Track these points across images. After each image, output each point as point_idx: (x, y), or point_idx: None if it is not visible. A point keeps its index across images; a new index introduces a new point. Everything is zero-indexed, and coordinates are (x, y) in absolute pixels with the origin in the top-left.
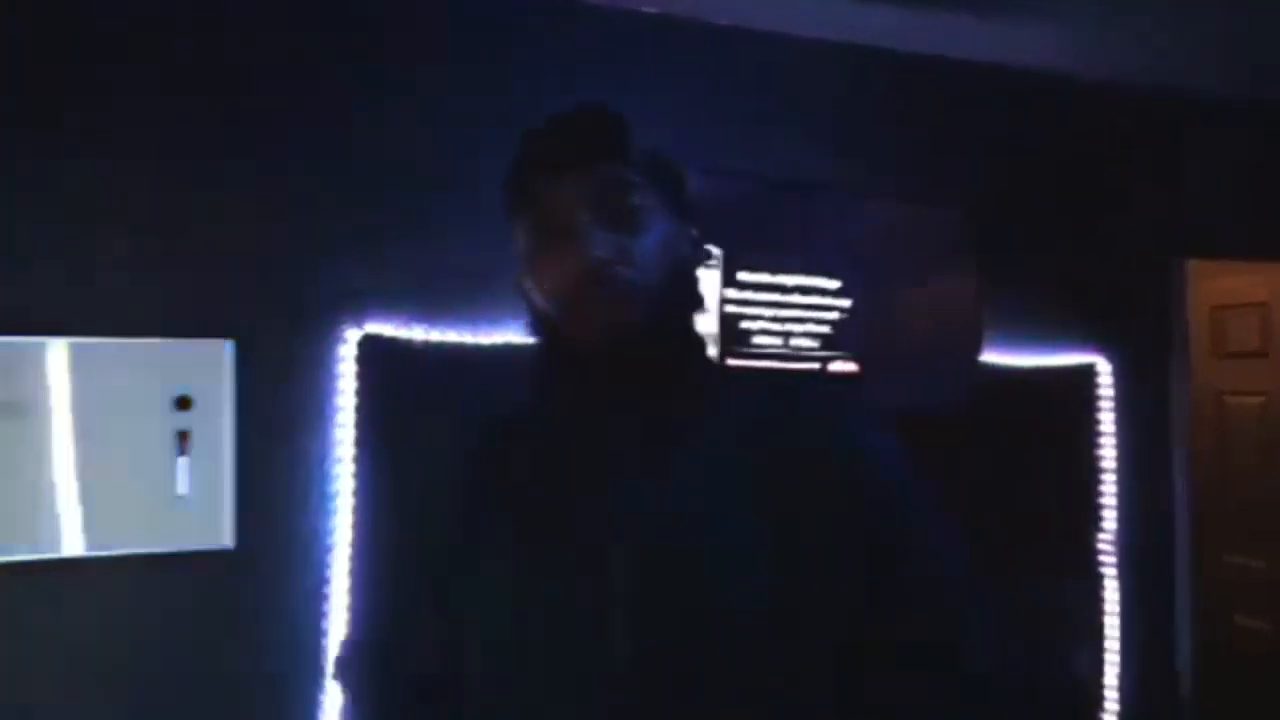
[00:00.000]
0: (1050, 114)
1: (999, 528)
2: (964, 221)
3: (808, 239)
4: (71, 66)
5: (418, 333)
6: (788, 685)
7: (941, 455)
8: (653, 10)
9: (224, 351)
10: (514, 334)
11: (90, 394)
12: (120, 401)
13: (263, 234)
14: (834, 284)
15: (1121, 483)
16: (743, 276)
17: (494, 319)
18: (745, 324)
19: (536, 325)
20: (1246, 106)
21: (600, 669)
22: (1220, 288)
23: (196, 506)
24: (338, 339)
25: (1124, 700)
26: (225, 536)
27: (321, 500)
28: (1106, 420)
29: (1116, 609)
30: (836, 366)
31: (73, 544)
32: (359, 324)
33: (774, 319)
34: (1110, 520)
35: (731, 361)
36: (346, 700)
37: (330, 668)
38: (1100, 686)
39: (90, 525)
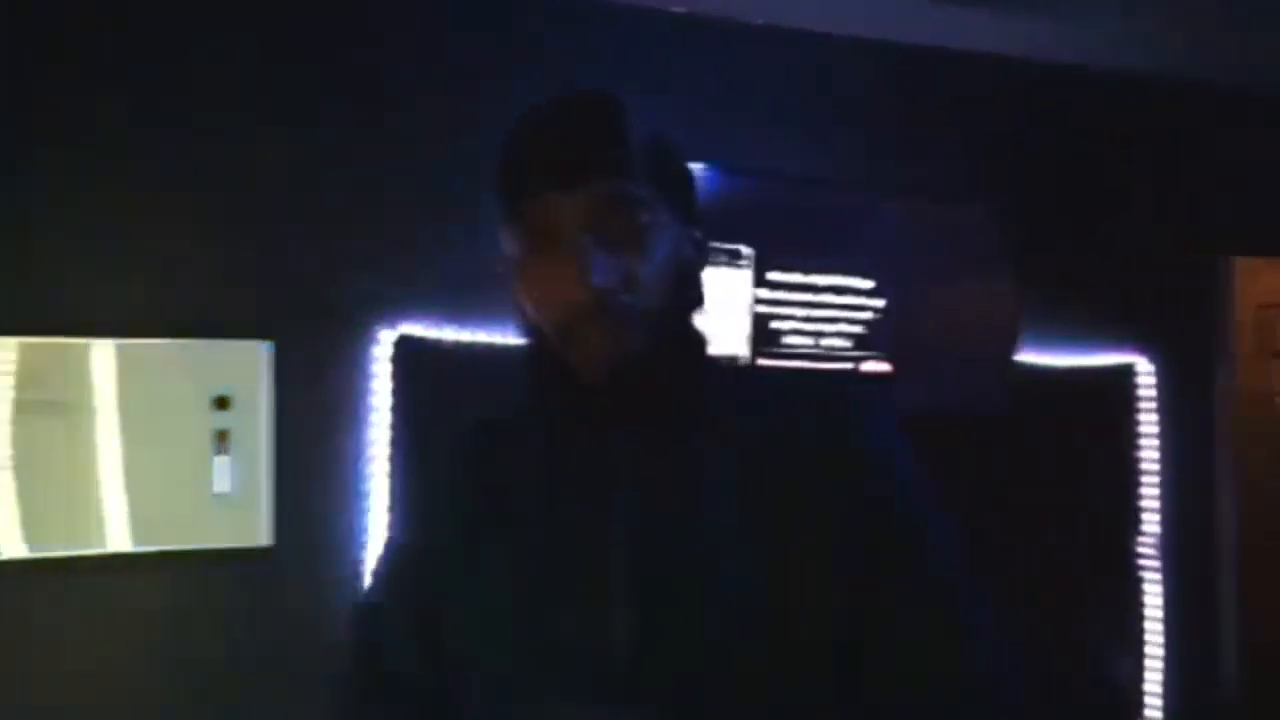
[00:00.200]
0: (1089, 109)
1: (1035, 529)
2: (999, 219)
3: (840, 239)
4: (113, 71)
5: (451, 334)
6: (787, 688)
7: (977, 456)
8: (681, 10)
9: (261, 352)
10: None
11: (133, 394)
12: (162, 401)
13: (299, 238)
14: (867, 284)
15: (1165, 485)
16: (773, 277)
17: None
18: (776, 324)
19: (529, 334)
20: None
21: (600, 679)
22: (1267, 285)
23: (235, 504)
24: (372, 340)
25: (1168, 705)
26: (263, 534)
27: (356, 499)
28: (1147, 421)
29: (1159, 613)
30: (869, 367)
31: (116, 540)
32: (393, 325)
33: (805, 319)
34: (1151, 523)
35: (735, 360)
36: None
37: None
38: (1139, 691)
39: (133, 522)
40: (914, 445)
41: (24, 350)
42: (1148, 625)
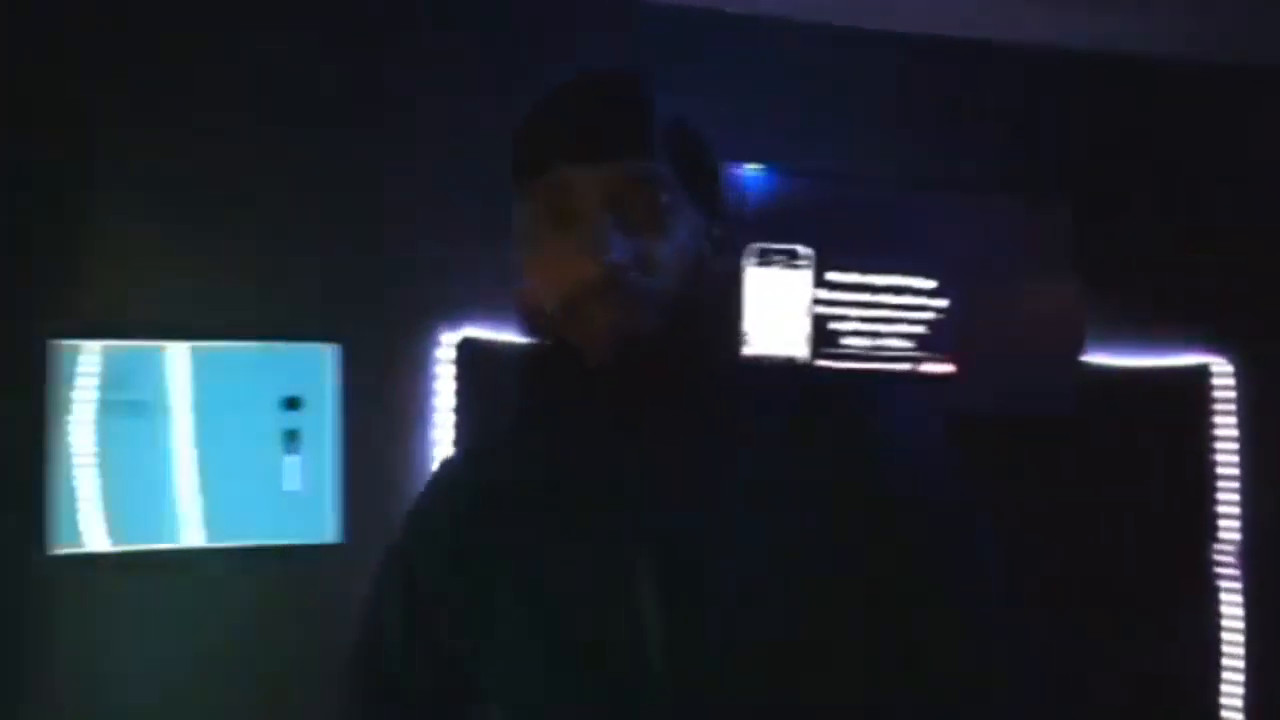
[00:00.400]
0: (1164, 102)
1: (1105, 534)
2: (1066, 216)
3: (901, 238)
4: (185, 81)
5: (511, 336)
6: (814, 692)
7: (1044, 458)
8: (736, 10)
9: (329, 355)
10: None
11: (207, 394)
12: (235, 402)
13: (365, 244)
14: (928, 284)
15: (1245, 491)
16: (832, 277)
17: None
18: (835, 325)
19: (532, 322)
20: None
21: (622, 683)
22: None
23: (305, 502)
24: (435, 342)
25: (1247, 718)
26: (331, 531)
27: None
28: (1224, 425)
29: (1238, 624)
30: (930, 367)
31: (190, 535)
32: (456, 327)
33: (865, 320)
34: (1230, 530)
35: (758, 357)
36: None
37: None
38: (1217, 703)
39: (206, 518)
40: (960, 445)
41: (106, 354)
42: (1225, 636)
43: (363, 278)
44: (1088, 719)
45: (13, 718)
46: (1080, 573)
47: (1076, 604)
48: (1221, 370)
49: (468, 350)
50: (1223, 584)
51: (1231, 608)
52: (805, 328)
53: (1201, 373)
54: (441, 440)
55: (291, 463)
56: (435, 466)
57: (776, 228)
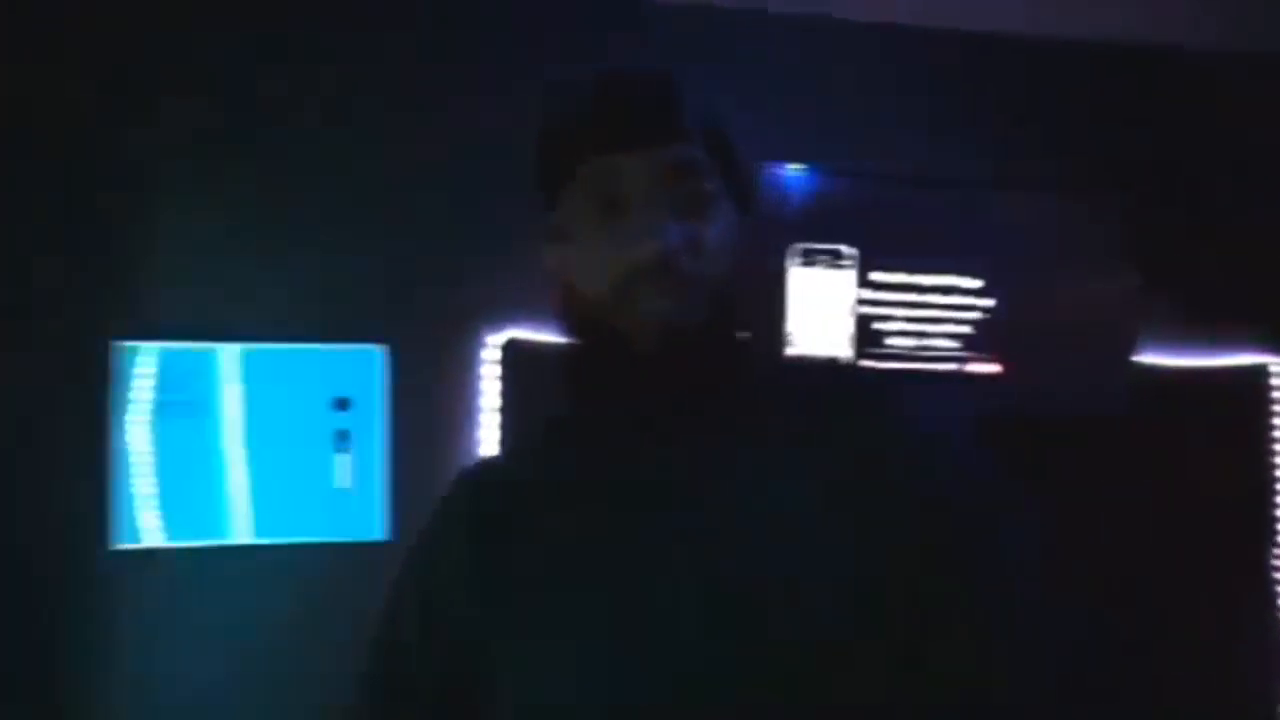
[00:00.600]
0: (1216, 96)
1: (1160, 539)
2: (1118, 212)
3: (947, 237)
4: (240, 89)
5: (557, 337)
6: (846, 691)
7: (1096, 459)
8: (779, 10)
9: (377, 356)
10: None
11: (258, 395)
12: (284, 402)
13: (411, 248)
14: (975, 283)
15: None
16: (877, 277)
17: None
18: (879, 325)
19: (573, 317)
20: None
21: (661, 693)
22: None
23: (353, 500)
24: (481, 343)
25: None
26: (379, 529)
27: None
28: None
29: None
30: (976, 368)
31: (241, 532)
32: (502, 329)
33: (910, 319)
34: None
35: (797, 356)
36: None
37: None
38: (1277, 712)
39: (257, 515)
40: (1000, 446)
41: (163, 355)
42: None
43: (410, 281)
44: None
45: (75, 706)
46: (1135, 577)
47: (1131, 609)
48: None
49: (512, 351)
50: None
51: None
52: (849, 328)
53: (1259, 372)
54: (487, 440)
55: (341, 461)
56: (459, 471)
57: (820, 228)
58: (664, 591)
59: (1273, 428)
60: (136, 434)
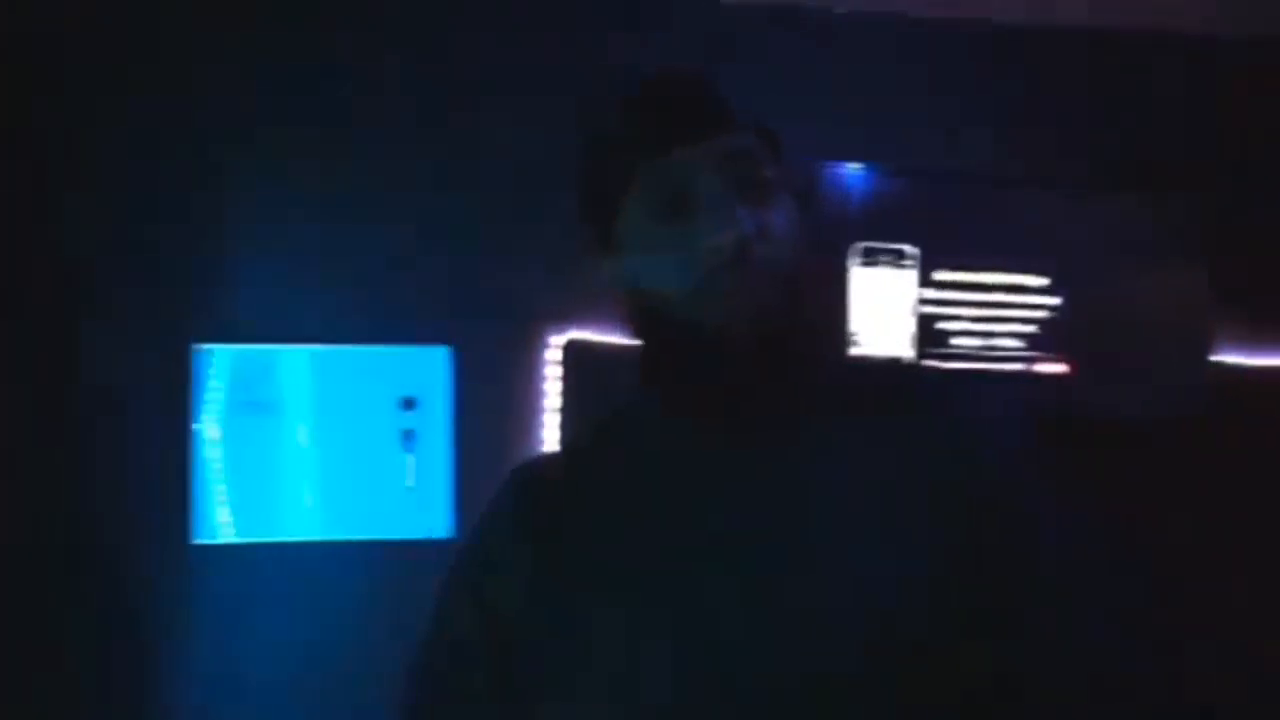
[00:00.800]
0: None
1: (1235, 544)
2: (1195, 210)
3: (1011, 235)
4: (305, 97)
5: (620, 338)
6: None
7: (1169, 461)
8: (843, 8)
9: (443, 357)
10: None
11: (326, 395)
12: (354, 402)
13: (475, 250)
14: (1041, 281)
15: None
16: (940, 276)
17: None
18: (942, 325)
19: (651, 320)
20: None
21: (727, 694)
22: None
23: (420, 498)
24: (543, 344)
25: None
26: (445, 526)
27: None
28: None
29: None
30: (1043, 368)
31: (311, 529)
32: (563, 330)
33: (974, 319)
34: None
35: (850, 355)
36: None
37: None
38: None
39: (326, 513)
40: (1059, 446)
41: (237, 356)
42: None
43: (474, 284)
44: None
45: (156, 696)
46: (1209, 583)
47: (1204, 617)
48: None
49: (573, 352)
50: None
51: None
52: (911, 328)
53: None
54: (549, 439)
55: (408, 461)
56: (514, 469)
57: (882, 227)
58: (728, 596)
59: None
60: (213, 434)
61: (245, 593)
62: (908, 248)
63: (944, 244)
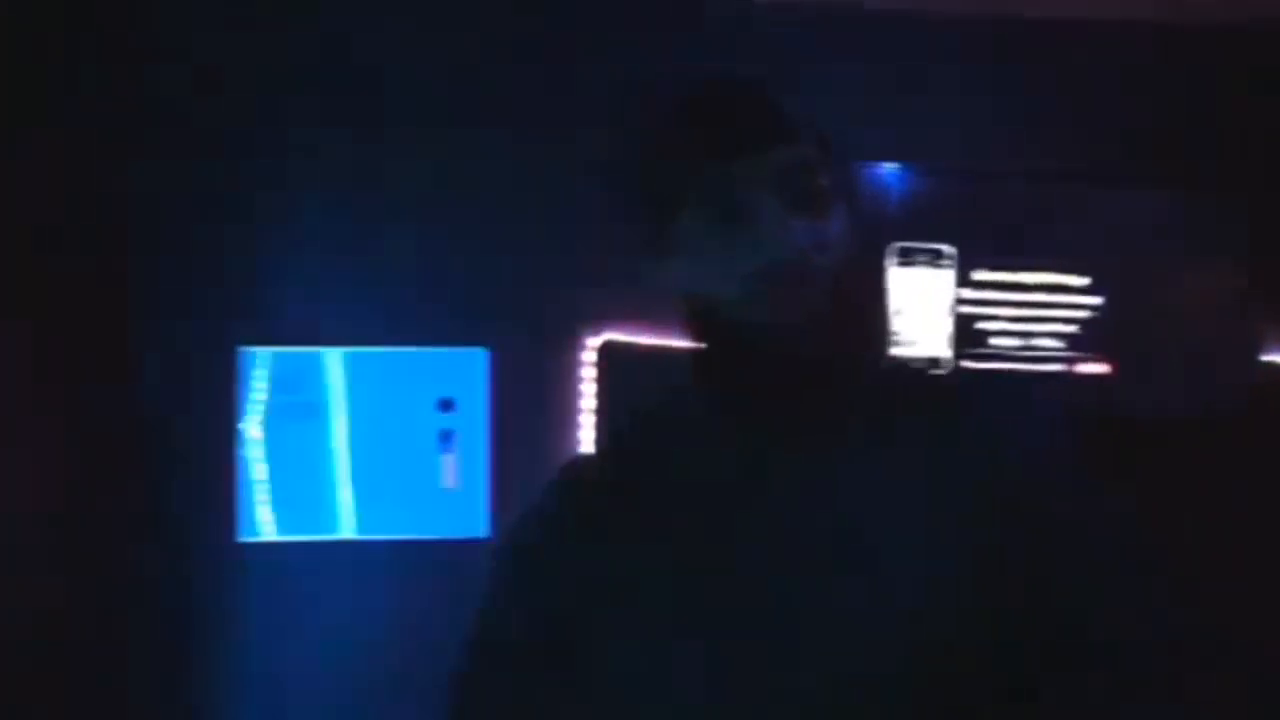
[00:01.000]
0: None
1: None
2: (1236, 207)
3: (1051, 234)
4: (338, 103)
5: (655, 340)
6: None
7: (1214, 461)
8: (875, 6)
9: (481, 359)
10: None
11: (365, 397)
12: (392, 403)
13: (512, 253)
14: (1082, 280)
15: None
16: (979, 276)
17: None
18: (981, 325)
19: (704, 324)
20: None
21: (776, 692)
22: None
23: (457, 499)
24: (579, 346)
25: None
26: (482, 526)
27: None
28: None
29: None
30: (1084, 368)
31: (349, 527)
32: (599, 332)
33: (1013, 319)
34: None
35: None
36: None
37: None
38: None
39: (365, 512)
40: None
41: (275, 359)
42: None
43: (512, 286)
44: None
45: (203, 688)
46: (1257, 586)
47: (1252, 622)
48: None
49: (609, 353)
50: None
51: None
52: (948, 328)
53: None
54: (586, 439)
55: (446, 461)
56: (561, 468)
57: (920, 227)
58: (773, 597)
59: None
60: (256, 434)
61: (287, 589)
62: (945, 247)
63: (982, 243)
